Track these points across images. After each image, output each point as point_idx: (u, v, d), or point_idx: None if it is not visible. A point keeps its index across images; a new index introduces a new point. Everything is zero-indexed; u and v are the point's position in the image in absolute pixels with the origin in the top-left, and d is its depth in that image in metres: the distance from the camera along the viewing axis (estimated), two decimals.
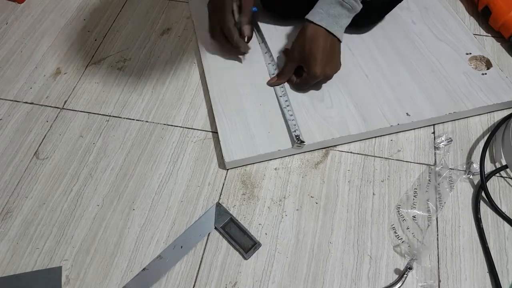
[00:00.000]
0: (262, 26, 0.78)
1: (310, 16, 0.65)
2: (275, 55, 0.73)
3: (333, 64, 0.66)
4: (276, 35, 0.77)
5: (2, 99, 0.72)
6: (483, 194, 0.59)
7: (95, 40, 0.80)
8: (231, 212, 0.59)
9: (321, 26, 0.63)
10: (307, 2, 0.76)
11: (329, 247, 0.56)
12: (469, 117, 0.68)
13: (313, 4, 0.78)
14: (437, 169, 0.62)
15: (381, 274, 0.54)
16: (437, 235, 0.57)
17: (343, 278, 0.54)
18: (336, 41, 0.66)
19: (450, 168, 0.62)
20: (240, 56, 0.73)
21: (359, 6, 0.64)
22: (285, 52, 0.73)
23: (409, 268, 0.53)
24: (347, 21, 0.65)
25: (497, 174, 0.62)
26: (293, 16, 0.79)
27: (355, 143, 0.65)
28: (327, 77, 0.67)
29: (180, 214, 0.59)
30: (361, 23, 0.77)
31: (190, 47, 0.79)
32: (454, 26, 0.78)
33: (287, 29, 0.78)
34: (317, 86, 0.69)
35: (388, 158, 0.64)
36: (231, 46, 0.70)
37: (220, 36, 0.71)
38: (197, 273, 0.54)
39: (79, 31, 0.82)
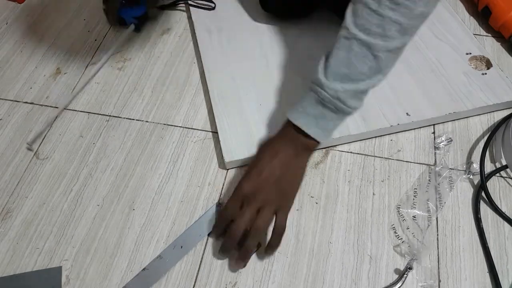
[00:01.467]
0: (262, 26, 0.78)
1: (289, 112, 0.54)
2: (273, 58, 0.73)
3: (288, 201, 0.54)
4: (275, 37, 0.77)
5: (2, 99, 0.72)
6: (483, 194, 0.59)
7: (95, 40, 0.80)
8: None
9: (297, 126, 0.52)
10: (305, 3, 0.77)
11: (329, 247, 0.56)
12: (469, 117, 0.68)
13: (311, 5, 0.78)
14: (437, 169, 0.62)
15: (381, 274, 0.54)
16: (437, 235, 0.57)
17: (343, 278, 0.54)
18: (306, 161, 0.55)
19: (450, 168, 0.62)
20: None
21: (348, 108, 0.50)
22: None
23: (409, 268, 0.53)
24: (334, 123, 0.52)
25: (497, 174, 0.62)
26: (292, 17, 0.79)
27: (355, 143, 0.65)
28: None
29: (180, 214, 0.59)
30: None
31: (190, 47, 0.79)
32: (454, 26, 0.78)
33: (286, 30, 0.78)
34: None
35: (388, 158, 0.64)
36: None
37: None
38: (197, 273, 0.54)
39: (79, 31, 0.82)
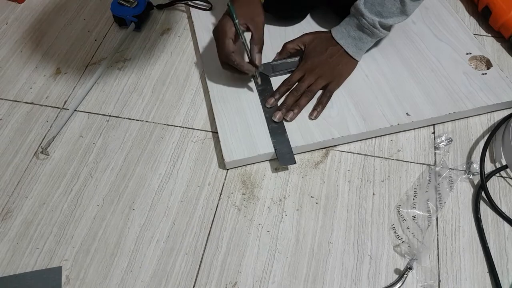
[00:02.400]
0: None
1: (333, 31, 0.69)
2: (273, 57, 0.73)
3: (339, 81, 0.69)
4: (275, 37, 0.77)
5: (2, 99, 0.72)
6: (483, 194, 0.59)
7: (95, 40, 0.80)
8: (231, 212, 0.59)
9: (340, 45, 0.68)
10: (305, 3, 0.77)
11: (329, 247, 0.56)
12: (469, 117, 0.68)
13: (311, 5, 0.78)
14: (437, 169, 0.62)
15: (381, 274, 0.54)
16: (437, 235, 0.57)
17: (343, 278, 0.54)
18: (351, 61, 0.69)
19: (450, 168, 0.62)
20: (250, 84, 0.69)
21: (381, 33, 0.66)
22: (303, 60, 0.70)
23: (409, 268, 0.53)
24: (368, 44, 0.68)
25: (497, 174, 0.62)
26: (292, 17, 0.79)
27: (355, 143, 0.65)
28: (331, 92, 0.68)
29: (180, 214, 0.59)
30: None
31: (190, 47, 0.79)
32: (454, 26, 0.78)
33: (286, 30, 0.78)
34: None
35: (388, 158, 0.64)
36: (238, 72, 0.65)
37: (225, 64, 0.65)
38: (197, 273, 0.54)
39: (79, 31, 0.82)
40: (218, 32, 0.63)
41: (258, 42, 0.64)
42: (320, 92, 0.68)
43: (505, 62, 0.75)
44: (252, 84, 0.70)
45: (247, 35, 0.64)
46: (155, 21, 0.83)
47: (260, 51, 0.65)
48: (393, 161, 0.64)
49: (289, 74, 0.69)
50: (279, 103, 0.67)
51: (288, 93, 0.67)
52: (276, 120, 0.64)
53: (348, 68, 0.69)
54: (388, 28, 0.66)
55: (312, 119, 0.65)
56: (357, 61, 0.70)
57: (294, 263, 0.55)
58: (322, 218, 0.58)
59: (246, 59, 0.66)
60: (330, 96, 0.67)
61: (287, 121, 0.65)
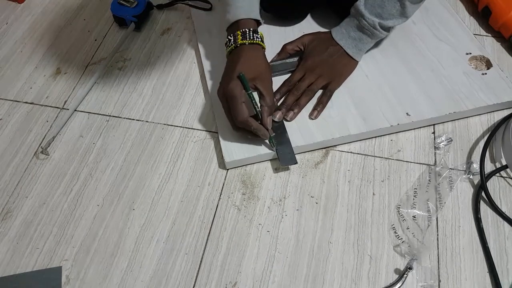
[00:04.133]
0: (262, 26, 0.78)
1: (333, 32, 0.68)
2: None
3: (339, 80, 0.69)
4: (275, 37, 0.77)
5: (2, 99, 0.72)
6: (483, 194, 0.59)
7: (95, 40, 0.80)
8: (231, 212, 0.59)
9: (340, 45, 0.67)
10: (305, 3, 0.77)
11: (329, 247, 0.56)
12: (469, 117, 0.68)
13: (311, 5, 0.78)
14: (437, 169, 0.62)
15: (381, 274, 0.54)
16: (437, 235, 0.57)
17: (343, 278, 0.54)
18: (352, 62, 0.69)
19: (450, 168, 0.62)
20: (266, 141, 0.63)
21: (381, 34, 0.66)
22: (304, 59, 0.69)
23: (409, 268, 0.53)
24: (368, 45, 0.69)
25: (497, 174, 0.62)
26: (291, 17, 0.79)
27: (355, 143, 0.65)
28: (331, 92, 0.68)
29: (180, 214, 0.59)
30: None
31: (190, 47, 0.79)
32: (454, 26, 0.78)
33: (286, 30, 0.78)
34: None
35: (388, 158, 0.64)
36: (252, 135, 0.61)
37: (240, 129, 0.61)
38: (197, 273, 0.54)
39: (79, 31, 0.82)
40: (230, 98, 0.58)
41: (270, 104, 0.60)
42: (320, 92, 0.68)
43: (505, 62, 0.75)
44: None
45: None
46: (155, 21, 0.83)
47: (271, 114, 0.61)
48: (393, 161, 0.64)
49: (289, 75, 0.69)
50: (279, 103, 0.67)
51: (288, 93, 0.67)
52: (276, 119, 0.63)
53: (348, 68, 0.69)
54: (388, 29, 0.66)
55: (313, 119, 0.65)
56: (357, 62, 0.70)
57: (294, 263, 0.55)
58: (322, 218, 0.58)
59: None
60: (331, 95, 0.67)
61: (287, 120, 0.65)
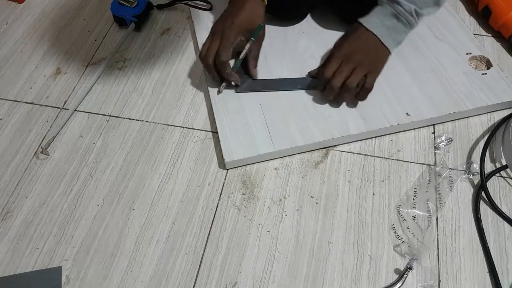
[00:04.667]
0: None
1: (364, 22, 0.63)
2: (273, 57, 0.73)
3: (377, 69, 0.65)
4: (275, 37, 0.77)
5: (2, 99, 0.72)
6: (483, 194, 0.59)
7: (95, 40, 0.80)
8: (231, 212, 0.59)
9: (375, 35, 0.62)
10: (305, 3, 0.77)
11: (329, 247, 0.56)
12: (469, 117, 0.68)
13: (311, 5, 0.78)
14: (437, 169, 0.62)
15: (381, 274, 0.54)
16: (437, 235, 0.57)
17: (343, 278, 0.54)
18: (386, 52, 0.64)
19: (450, 168, 0.62)
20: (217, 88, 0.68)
21: (416, 23, 0.63)
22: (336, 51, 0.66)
23: (409, 268, 0.53)
24: (403, 36, 0.64)
25: (497, 174, 0.62)
26: (291, 17, 0.79)
27: (355, 143, 0.65)
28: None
29: (180, 214, 0.59)
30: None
31: (190, 47, 0.79)
32: (454, 26, 0.78)
33: (286, 30, 0.78)
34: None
35: (388, 158, 0.64)
36: (217, 75, 0.66)
37: (209, 64, 0.65)
38: (197, 273, 0.54)
39: (79, 31, 0.82)
40: (225, 35, 0.63)
41: (256, 54, 0.67)
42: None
43: (505, 62, 0.75)
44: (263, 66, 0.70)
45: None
46: (155, 21, 0.83)
47: (255, 66, 0.68)
48: (393, 161, 0.64)
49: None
50: None
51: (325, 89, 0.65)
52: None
53: (384, 57, 0.65)
54: (421, 18, 0.63)
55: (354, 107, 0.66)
56: (390, 54, 0.65)
57: (294, 263, 0.55)
58: (322, 218, 0.58)
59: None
60: (369, 91, 0.64)
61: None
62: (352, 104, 0.66)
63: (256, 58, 0.69)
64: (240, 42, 0.65)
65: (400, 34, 0.64)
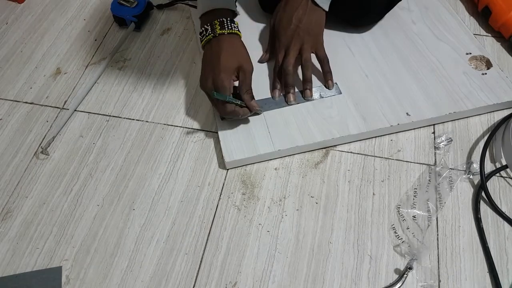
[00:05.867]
0: (262, 26, 0.78)
1: None
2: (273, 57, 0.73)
3: (319, 40, 0.67)
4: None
5: (2, 99, 0.72)
6: (483, 194, 0.59)
7: (95, 40, 0.80)
8: (231, 212, 0.59)
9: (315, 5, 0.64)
10: None
11: (329, 247, 0.56)
12: (469, 117, 0.68)
13: None
14: (437, 169, 0.62)
15: (381, 274, 0.54)
16: (437, 235, 0.57)
17: (343, 278, 0.54)
18: (320, 14, 0.66)
19: (450, 168, 0.62)
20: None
21: None
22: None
23: (409, 268, 0.53)
24: None
25: (497, 174, 0.62)
26: None
27: (355, 143, 0.65)
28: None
29: (180, 214, 0.59)
30: (361, 22, 0.77)
31: (190, 47, 0.79)
32: (454, 26, 0.78)
33: None
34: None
35: (388, 158, 0.64)
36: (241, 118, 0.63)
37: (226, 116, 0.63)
38: (197, 273, 0.54)
39: (79, 31, 0.82)
40: (220, 90, 0.59)
41: (248, 89, 0.62)
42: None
43: (505, 62, 0.75)
44: (252, 83, 0.70)
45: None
46: (155, 21, 0.83)
47: (252, 97, 0.63)
48: (393, 161, 0.64)
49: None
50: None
51: (284, 76, 0.66)
52: (291, 103, 0.66)
53: (319, 23, 0.66)
54: None
55: (331, 88, 0.68)
56: (325, 12, 0.66)
57: (294, 263, 0.55)
58: (322, 218, 0.58)
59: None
60: (327, 60, 0.67)
61: (308, 100, 0.67)
62: (330, 80, 0.68)
63: (250, 90, 0.63)
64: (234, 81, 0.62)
65: None
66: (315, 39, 0.66)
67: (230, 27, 0.61)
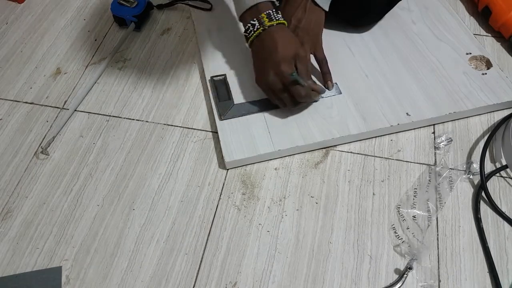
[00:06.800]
0: None
1: None
2: None
3: (318, 41, 0.68)
4: None
5: (2, 99, 0.72)
6: (483, 194, 0.59)
7: (95, 40, 0.80)
8: (231, 212, 0.59)
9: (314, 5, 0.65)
10: None
11: (329, 247, 0.56)
12: (469, 117, 0.68)
13: None
14: (437, 169, 0.62)
15: (381, 274, 0.54)
16: (437, 235, 0.57)
17: (343, 278, 0.54)
18: (320, 14, 0.67)
19: (450, 168, 0.62)
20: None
21: None
22: None
23: (409, 268, 0.53)
24: None
25: (497, 174, 0.62)
26: None
27: (355, 143, 0.65)
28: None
29: (180, 214, 0.59)
30: (361, 22, 0.77)
31: (190, 47, 0.79)
32: (454, 26, 0.78)
33: None
34: None
35: (388, 158, 0.64)
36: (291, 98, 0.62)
37: (296, 104, 0.63)
38: (197, 273, 0.54)
39: (79, 31, 0.82)
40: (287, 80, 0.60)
41: (310, 75, 0.64)
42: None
43: (505, 62, 0.75)
44: (252, 83, 0.70)
45: None
46: (155, 21, 0.83)
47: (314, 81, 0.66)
48: (393, 161, 0.64)
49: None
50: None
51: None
52: (330, 88, 0.67)
53: (319, 23, 0.67)
54: None
55: (331, 88, 0.68)
56: (325, 12, 0.67)
57: (294, 263, 0.55)
58: (322, 218, 0.58)
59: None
60: (326, 62, 0.68)
61: (328, 89, 0.68)
62: (327, 83, 0.68)
63: (310, 73, 0.64)
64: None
65: None
66: (314, 39, 0.67)
67: (277, 18, 0.61)
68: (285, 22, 0.63)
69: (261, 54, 0.62)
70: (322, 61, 0.68)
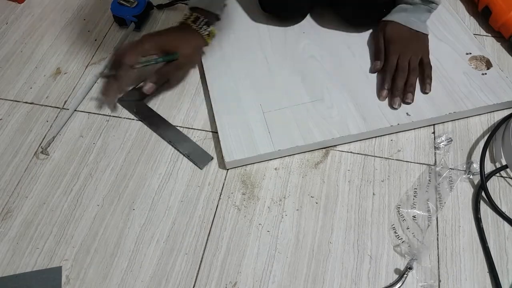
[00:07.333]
0: (262, 26, 0.78)
1: (405, 23, 0.71)
2: (273, 57, 0.73)
3: (427, 51, 0.73)
4: (275, 37, 0.77)
5: (2, 99, 0.72)
6: (483, 194, 0.59)
7: (95, 40, 0.80)
8: (231, 212, 0.59)
9: (417, 31, 0.71)
10: (305, 3, 0.77)
11: (329, 247, 0.56)
12: (469, 117, 0.68)
13: (311, 5, 0.78)
14: (437, 169, 0.62)
15: (381, 274, 0.54)
16: (437, 235, 0.57)
17: (343, 278, 0.54)
18: (425, 36, 0.73)
19: (450, 168, 0.62)
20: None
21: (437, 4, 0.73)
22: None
23: (409, 268, 0.53)
24: (426, 16, 0.74)
25: (497, 174, 0.62)
26: (291, 17, 0.79)
27: (355, 143, 0.65)
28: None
29: (180, 214, 0.59)
30: (361, 22, 0.77)
31: None
32: (454, 26, 0.78)
33: (286, 30, 0.78)
34: None
35: (388, 158, 0.64)
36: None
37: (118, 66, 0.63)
38: (197, 273, 0.54)
39: (79, 31, 0.82)
40: (142, 41, 0.64)
41: (158, 80, 0.67)
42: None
43: (505, 62, 0.75)
44: (252, 83, 0.70)
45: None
46: (155, 21, 0.83)
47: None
48: (393, 161, 0.64)
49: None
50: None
51: (393, 77, 0.68)
52: (396, 106, 0.66)
53: (426, 41, 0.72)
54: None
55: (427, 93, 0.68)
56: (427, 34, 0.73)
57: (294, 263, 0.55)
58: (322, 218, 0.58)
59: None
60: (431, 66, 0.69)
61: (408, 103, 0.66)
62: (428, 85, 0.68)
63: (158, 81, 0.66)
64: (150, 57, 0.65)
65: (425, 17, 0.73)
66: (424, 49, 0.71)
67: (199, 26, 0.67)
68: (206, 39, 0.69)
69: (175, 27, 0.68)
70: (427, 65, 0.69)
